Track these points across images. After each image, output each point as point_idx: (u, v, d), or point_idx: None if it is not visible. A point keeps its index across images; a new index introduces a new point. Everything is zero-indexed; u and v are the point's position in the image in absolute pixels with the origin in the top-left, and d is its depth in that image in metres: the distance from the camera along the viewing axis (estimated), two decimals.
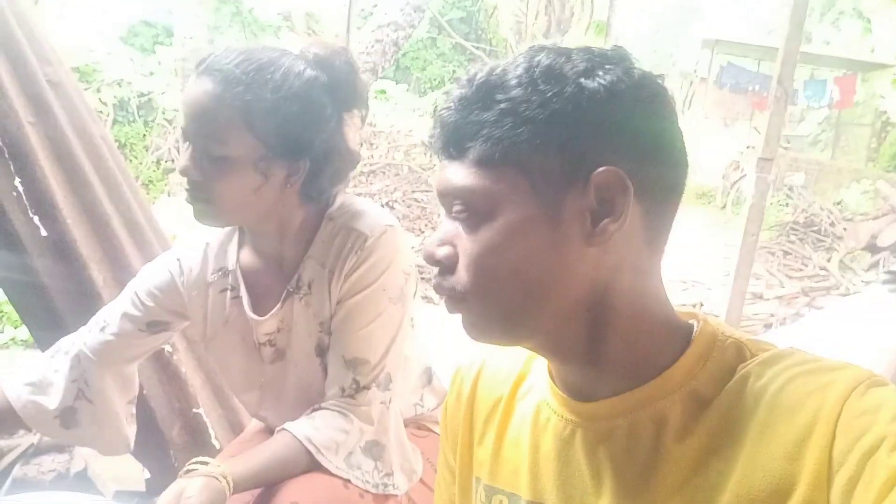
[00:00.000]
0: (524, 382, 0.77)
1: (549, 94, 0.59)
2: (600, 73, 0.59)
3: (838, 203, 8.87)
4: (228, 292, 1.22)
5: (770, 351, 0.62)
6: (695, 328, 0.66)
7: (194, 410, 1.63)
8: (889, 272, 5.29)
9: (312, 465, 1.08)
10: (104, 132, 1.64)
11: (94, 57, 7.75)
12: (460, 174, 0.63)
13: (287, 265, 1.18)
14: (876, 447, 0.50)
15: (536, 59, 0.61)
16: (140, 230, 1.63)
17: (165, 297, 1.23)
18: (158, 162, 7.95)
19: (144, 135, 8.20)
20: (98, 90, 7.58)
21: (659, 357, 0.64)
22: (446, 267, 0.65)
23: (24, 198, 1.40)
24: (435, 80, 13.00)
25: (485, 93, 0.61)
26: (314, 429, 1.09)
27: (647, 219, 0.62)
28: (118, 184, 1.59)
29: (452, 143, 0.63)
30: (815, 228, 7.66)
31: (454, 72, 12.92)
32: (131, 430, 1.33)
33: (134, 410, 1.35)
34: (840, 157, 12.41)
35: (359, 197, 1.25)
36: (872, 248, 6.37)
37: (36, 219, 1.41)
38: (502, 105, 0.60)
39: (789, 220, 8.09)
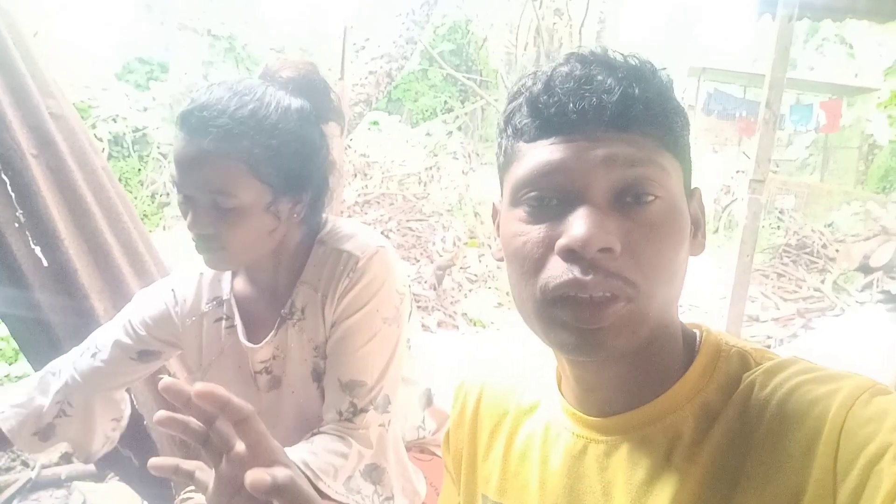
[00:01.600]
0: (529, 396, 0.76)
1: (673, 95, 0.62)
2: None
3: (829, 225, 8.94)
4: (223, 322, 1.21)
5: (774, 360, 0.62)
6: (697, 338, 0.67)
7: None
8: (883, 292, 5.32)
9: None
10: (104, 163, 1.65)
11: (89, 93, 7.80)
12: (635, 151, 0.57)
13: (280, 292, 1.18)
14: (880, 456, 0.49)
15: (639, 57, 0.61)
16: (141, 260, 1.63)
17: (158, 326, 1.24)
18: (153, 196, 7.96)
19: (139, 169, 8.23)
20: (94, 126, 7.62)
21: (670, 369, 0.64)
22: (611, 256, 0.56)
23: (25, 229, 1.40)
24: (427, 111, 13.11)
25: (645, 73, 0.60)
26: (311, 453, 1.07)
27: None
28: (119, 213, 1.60)
29: (620, 114, 0.58)
30: (807, 250, 7.71)
31: (446, 102, 13.05)
32: (103, 449, 1.35)
33: (115, 432, 1.36)
34: (829, 180, 12.53)
35: (348, 219, 1.25)
36: (865, 269, 6.41)
37: (38, 250, 1.41)
38: (658, 90, 0.60)
39: (781, 242, 8.14)
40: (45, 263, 1.43)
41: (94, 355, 1.24)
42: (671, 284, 0.60)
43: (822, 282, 6.65)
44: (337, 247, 1.14)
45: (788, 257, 7.65)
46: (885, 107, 10.58)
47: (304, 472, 1.05)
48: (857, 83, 11.91)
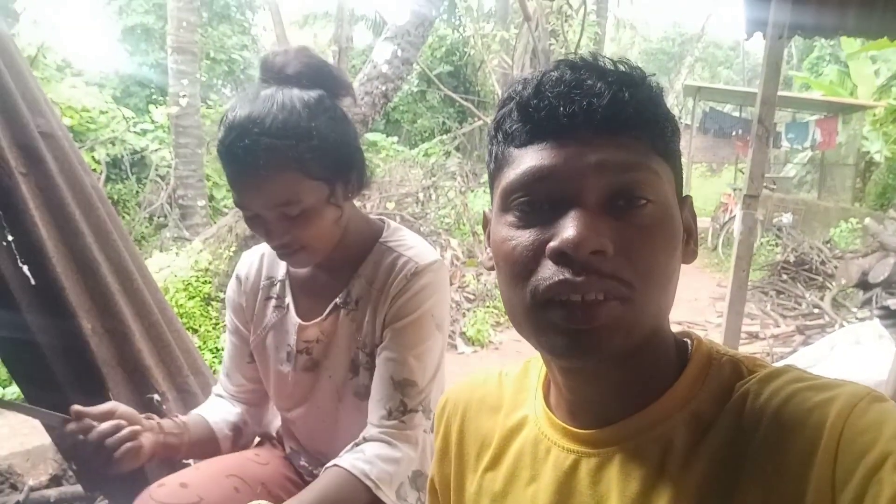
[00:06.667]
0: (514, 415, 0.75)
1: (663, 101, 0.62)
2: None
3: (827, 242, 8.93)
4: (273, 300, 1.30)
5: (767, 368, 0.62)
6: (689, 347, 0.66)
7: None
8: (882, 308, 5.28)
9: (369, 500, 1.09)
10: (95, 182, 1.64)
11: (88, 116, 7.85)
12: (627, 155, 0.56)
13: (335, 281, 1.24)
14: (880, 465, 0.49)
15: (629, 63, 0.61)
16: (130, 278, 1.62)
17: (236, 315, 1.37)
18: (151, 218, 7.97)
19: (137, 191, 8.24)
20: (92, 149, 7.65)
21: (660, 379, 0.63)
22: (603, 258, 0.55)
23: (13, 248, 1.39)
24: (425, 132, 13.19)
25: (635, 78, 0.59)
26: (367, 462, 1.10)
27: None
28: (108, 232, 1.59)
29: (611, 118, 0.57)
30: (806, 267, 7.68)
31: (444, 123, 13.14)
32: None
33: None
34: (827, 197, 12.56)
35: (412, 231, 1.31)
36: (864, 285, 6.38)
37: (25, 268, 1.40)
38: (648, 95, 0.59)
39: (780, 259, 8.12)
40: (33, 282, 1.41)
41: (226, 374, 1.42)
42: (665, 288, 0.58)
43: (822, 298, 6.62)
44: (399, 251, 1.20)
45: (787, 274, 7.62)
46: (881, 124, 10.63)
47: (365, 483, 1.09)
48: (852, 101, 11.99)
